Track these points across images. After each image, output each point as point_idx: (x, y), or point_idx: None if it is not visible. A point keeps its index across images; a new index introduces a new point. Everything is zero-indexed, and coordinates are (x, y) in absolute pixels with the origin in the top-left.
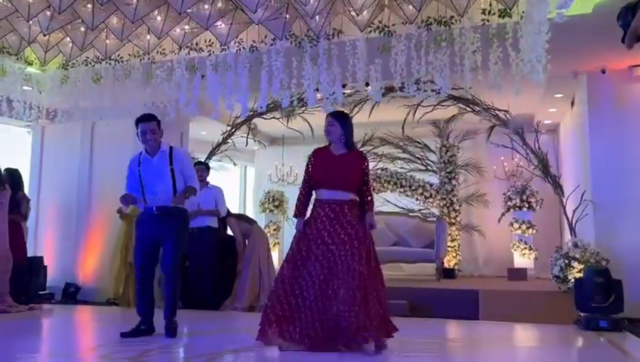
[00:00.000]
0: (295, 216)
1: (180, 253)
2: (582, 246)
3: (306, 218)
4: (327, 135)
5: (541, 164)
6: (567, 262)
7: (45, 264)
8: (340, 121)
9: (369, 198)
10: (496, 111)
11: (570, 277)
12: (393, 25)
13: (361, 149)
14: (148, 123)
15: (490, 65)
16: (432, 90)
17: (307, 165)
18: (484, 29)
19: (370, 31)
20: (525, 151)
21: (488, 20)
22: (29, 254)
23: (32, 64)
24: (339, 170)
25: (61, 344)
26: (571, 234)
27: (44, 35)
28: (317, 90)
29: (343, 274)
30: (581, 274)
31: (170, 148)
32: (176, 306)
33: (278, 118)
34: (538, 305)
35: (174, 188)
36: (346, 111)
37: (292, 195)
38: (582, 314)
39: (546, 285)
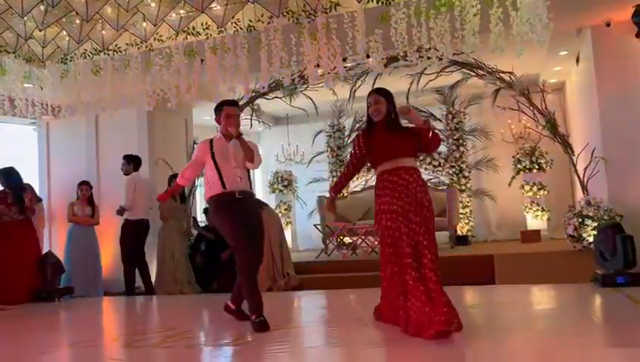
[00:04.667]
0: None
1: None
2: (595, 203)
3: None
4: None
5: (549, 124)
6: (580, 220)
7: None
8: (386, 97)
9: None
10: (501, 74)
11: (584, 235)
12: None
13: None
14: (234, 106)
15: (492, 27)
16: (436, 57)
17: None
18: None
19: (368, 1)
20: (532, 112)
21: None
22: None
23: (30, 60)
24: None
25: (84, 335)
26: (584, 193)
27: (40, 31)
28: (317, 65)
29: None
30: (595, 232)
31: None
32: None
33: (280, 98)
34: (554, 265)
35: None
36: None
37: (300, 174)
38: (599, 271)
39: (560, 245)
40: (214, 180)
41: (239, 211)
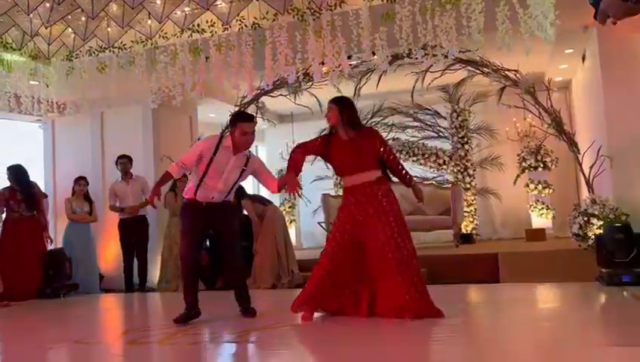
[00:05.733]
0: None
1: None
2: (600, 202)
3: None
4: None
5: (554, 122)
6: (586, 219)
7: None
8: (338, 105)
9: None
10: (506, 72)
11: (589, 234)
12: None
13: (371, 120)
14: (250, 122)
15: (498, 24)
16: (441, 55)
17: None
18: None
19: None
20: (538, 111)
21: None
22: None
23: (36, 58)
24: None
25: (89, 332)
26: (589, 191)
27: (46, 28)
28: (322, 63)
29: None
30: (601, 231)
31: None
32: None
33: (285, 95)
34: (559, 264)
35: (233, 186)
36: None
37: (304, 172)
38: (604, 270)
39: (565, 244)
40: (192, 184)
41: (201, 221)
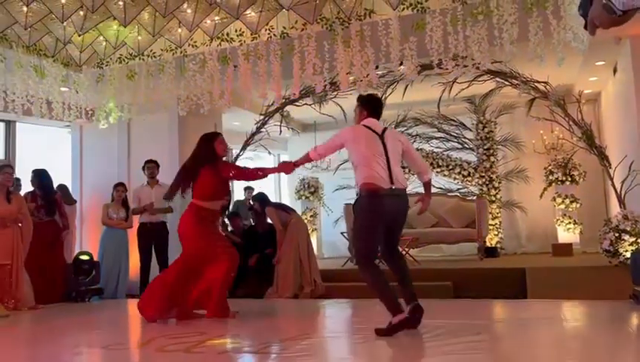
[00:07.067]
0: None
1: None
2: (632, 218)
3: None
4: None
5: (585, 136)
6: (617, 235)
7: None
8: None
9: None
10: (536, 84)
11: (621, 250)
12: (426, 1)
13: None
14: None
15: (531, 35)
16: (473, 65)
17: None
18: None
19: (403, 9)
20: (568, 123)
21: None
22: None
23: (68, 65)
24: None
25: (117, 337)
26: (620, 207)
27: (79, 35)
28: (349, 73)
29: None
30: (633, 248)
31: None
32: None
33: (310, 105)
34: (589, 280)
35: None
36: None
37: (326, 181)
38: (638, 288)
39: (594, 260)
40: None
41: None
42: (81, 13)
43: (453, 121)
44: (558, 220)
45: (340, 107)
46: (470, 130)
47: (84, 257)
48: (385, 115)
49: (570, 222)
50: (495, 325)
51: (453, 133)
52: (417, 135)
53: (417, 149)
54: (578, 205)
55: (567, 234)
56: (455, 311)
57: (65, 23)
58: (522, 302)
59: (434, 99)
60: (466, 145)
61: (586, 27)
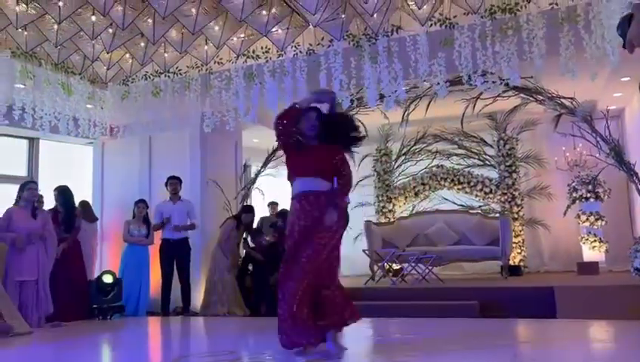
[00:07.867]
0: None
1: None
2: None
3: None
4: None
5: (614, 152)
6: None
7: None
8: None
9: None
10: (562, 100)
11: None
12: (455, 17)
13: (415, 147)
14: None
15: (562, 50)
16: (501, 81)
17: None
18: (552, 14)
19: (431, 25)
20: (595, 139)
21: (557, 4)
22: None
23: (94, 82)
24: None
25: (143, 356)
26: None
27: (107, 53)
28: (377, 89)
29: None
30: None
31: None
32: None
33: None
34: (620, 300)
35: None
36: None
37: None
38: None
39: (622, 278)
40: None
41: None
42: (110, 30)
43: (474, 137)
44: (582, 238)
45: (362, 123)
46: (491, 146)
47: (108, 279)
48: (405, 131)
49: (595, 240)
50: (519, 345)
51: (474, 150)
52: (437, 151)
53: (437, 166)
54: (603, 223)
55: (592, 252)
56: (484, 327)
57: (94, 41)
58: (553, 322)
59: (454, 115)
60: (487, 162)
61: (624, 46)
